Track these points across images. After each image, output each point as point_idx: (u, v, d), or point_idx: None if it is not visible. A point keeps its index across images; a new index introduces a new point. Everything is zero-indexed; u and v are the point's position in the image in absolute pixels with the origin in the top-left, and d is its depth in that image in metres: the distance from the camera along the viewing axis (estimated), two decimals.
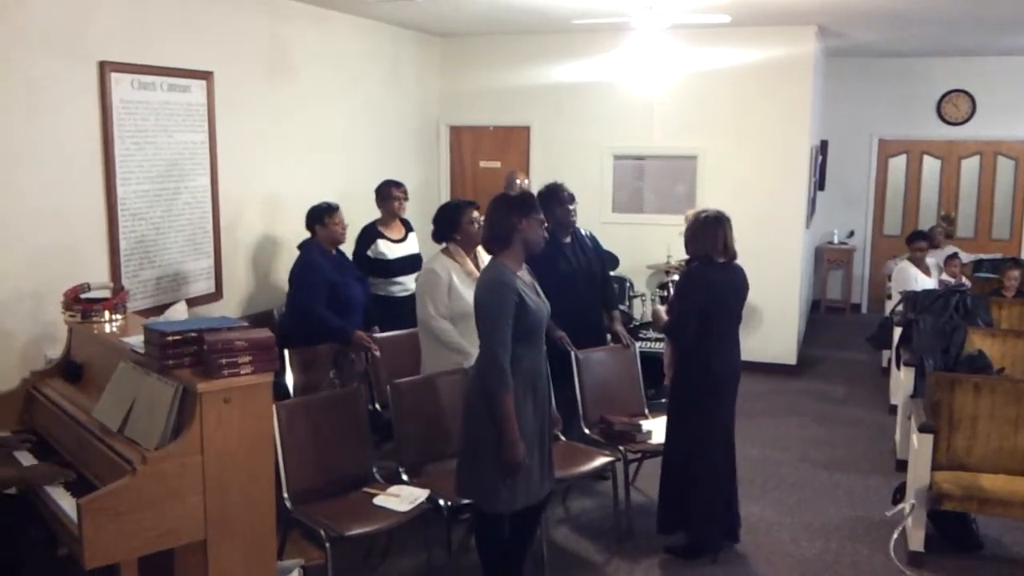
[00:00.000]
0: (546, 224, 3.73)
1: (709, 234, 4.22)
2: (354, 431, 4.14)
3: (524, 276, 3.63)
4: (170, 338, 3.07)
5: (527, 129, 8.15)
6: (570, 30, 7.45)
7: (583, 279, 5.11)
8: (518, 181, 6.72)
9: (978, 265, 8.68)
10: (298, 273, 5.11)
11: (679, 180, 7.93)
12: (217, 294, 5.44)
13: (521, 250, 3.60)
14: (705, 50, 7.47)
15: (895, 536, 4.44)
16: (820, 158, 9.56)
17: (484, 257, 4.23)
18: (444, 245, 4.70)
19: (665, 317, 4.39)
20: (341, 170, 6.63)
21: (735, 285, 4.30)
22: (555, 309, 3.92)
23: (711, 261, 4.23)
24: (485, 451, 3.53)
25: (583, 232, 5.30)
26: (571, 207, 5.09)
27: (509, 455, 3.45)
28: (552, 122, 8.03)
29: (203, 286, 5.33)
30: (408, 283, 5.72)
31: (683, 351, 4.30)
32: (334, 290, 5.00)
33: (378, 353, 5.02)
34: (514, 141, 8.23)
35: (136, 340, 3.32)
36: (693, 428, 4.27)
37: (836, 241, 10.32)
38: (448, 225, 4.67)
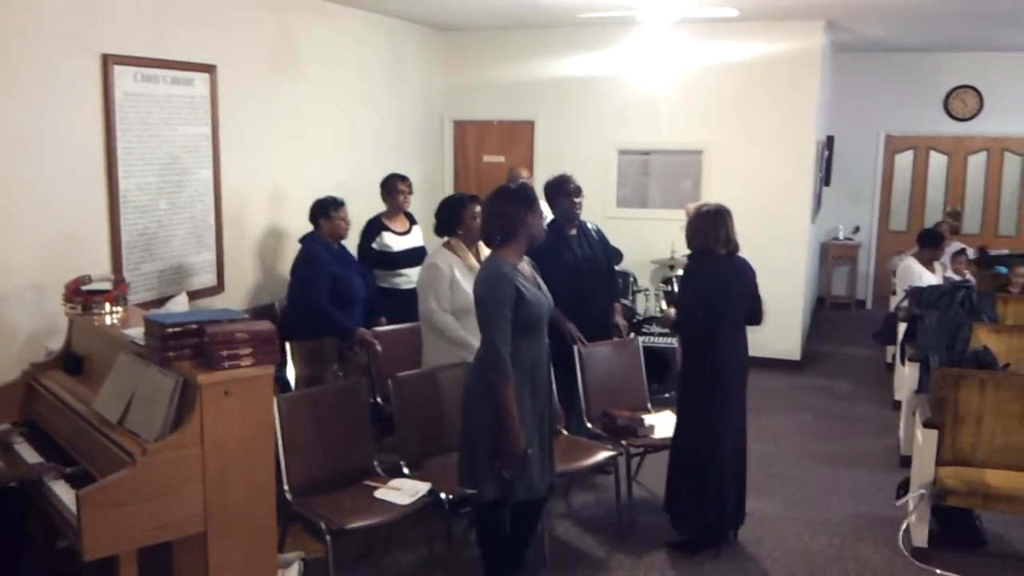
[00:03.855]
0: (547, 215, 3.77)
1: (710, 227, 4.22)
2: (355, 424, 4.13)
3: (524, 269, 3.64)
4: (170, 330, 3.06)
5: (531, 124, 8.13)
6: (576, 24, 7.41)
7: (589, 271, 5.10)
8: (521, 177, 6.70)
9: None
10: (301, 266, 5.11)
11: (684, 175, 7.90)
12: (219, 287, 5.43)
13: (524, 244, 3.61)
14: (712, 44, 7.43)
15: (904, 527, 4.42)
16: (826, 153, 9.52)
17: (486, 251, 4.23)
18: (446, 240, 4.70)
19: (672, 315, 4.38)
20: (344, 164, 6.62)
21: (738, 277, 4.30)
22: (561, 301, 3.90)
23: (711, 254, 4.23)
24: (479, 442, 3.55)
25: (589, 225, 5.30)
26: (577, 200, 5.09)
27: (511, 446, 3.46)
28: (557, 117, 8.00)
29: (205, 279, 5.32)
30: (412, 275, 5.72)
31: (689, 344, 4.30)
32: (335, 284, 5.01)
33: (379, 348, 5.02)
34: (518, 136, 8.20)
35: (137, 332, 3.31)
36: (698, 422, 4.25)
37: (841, 237, 10.28)
38: (450, 219, 4.68)
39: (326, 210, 5.13)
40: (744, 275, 4.32)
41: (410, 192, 5.99)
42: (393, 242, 5.83)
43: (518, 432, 3.45)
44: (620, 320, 5.25)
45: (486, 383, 3.49)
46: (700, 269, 4.28)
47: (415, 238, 5.99)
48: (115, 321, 3.74)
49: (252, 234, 5.75)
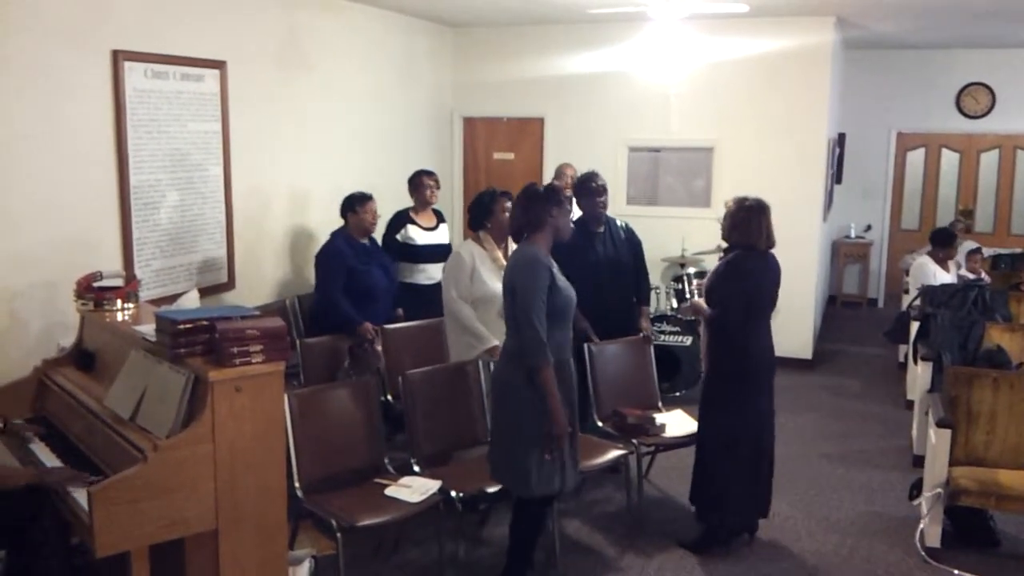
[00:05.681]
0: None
1: (753, 222, 4.16)
2: (366, 422, 4.12)
3: (550, 261, 3.68)
4: (182, 326, 3.06)
5: (541, 120, 8.10)
6: (586, 20, 7.40)
7: (610, 270, 5.10)
8: (568, 173, 6.76)
9: (997, 260, 8.58)
10: (319, 259, 5.22)
11: (695, 172, 7.87)
12: (230, 283, 5.43)
13: (551, 238, 3.68)
14: (722, 40, 7.39)
15: (921, 527, 4.39)
16: (837, 151, 9.47)
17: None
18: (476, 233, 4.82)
19: (706, 308, 4.29)
20: (354, 160, 6.61)
21: (773, 273, 4.27)
22: (582, 299, 3.92)
23: (753, 249, 4.18)
24: (519, 435, 3.56)
25: (618, 223, 5.30)
26: (599, 199, 5.12)
27: (552, 426, 3.49)
28: (567, 113, 7.98)
29: (216, 275, 5.32)
30: (434, 272, 5.80)
31: (720, 340, 4.23)
32: (352, 276, 5.07)
33: (379, 348, 5.04)
34: (528, 132, 8.18)
35: (148, 328, 3.31)
36: (727, 416, 4.22)
37: (853, 235, 10.23)
38: (482, 213, 4.80)
39: (352, 205, 5.23)
40: (777, 272, 4.28)
41: (437, 187, 6.02)
42: (417, 235, 5.87)
43: (559, 410, 3.50)
44: (646, 324, 5.23)
45: (522, 373, 3.51)
46: (743, 266, 4.18)
47: (441, 235, 6.01)
48: (126, 317, 3.75)
49: (262, 230, 5.75)
